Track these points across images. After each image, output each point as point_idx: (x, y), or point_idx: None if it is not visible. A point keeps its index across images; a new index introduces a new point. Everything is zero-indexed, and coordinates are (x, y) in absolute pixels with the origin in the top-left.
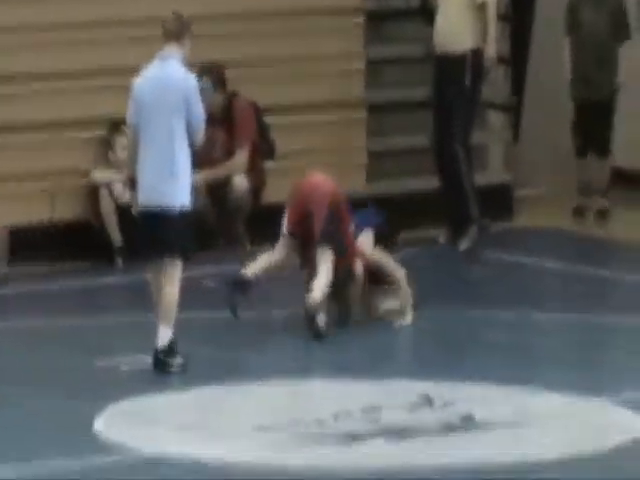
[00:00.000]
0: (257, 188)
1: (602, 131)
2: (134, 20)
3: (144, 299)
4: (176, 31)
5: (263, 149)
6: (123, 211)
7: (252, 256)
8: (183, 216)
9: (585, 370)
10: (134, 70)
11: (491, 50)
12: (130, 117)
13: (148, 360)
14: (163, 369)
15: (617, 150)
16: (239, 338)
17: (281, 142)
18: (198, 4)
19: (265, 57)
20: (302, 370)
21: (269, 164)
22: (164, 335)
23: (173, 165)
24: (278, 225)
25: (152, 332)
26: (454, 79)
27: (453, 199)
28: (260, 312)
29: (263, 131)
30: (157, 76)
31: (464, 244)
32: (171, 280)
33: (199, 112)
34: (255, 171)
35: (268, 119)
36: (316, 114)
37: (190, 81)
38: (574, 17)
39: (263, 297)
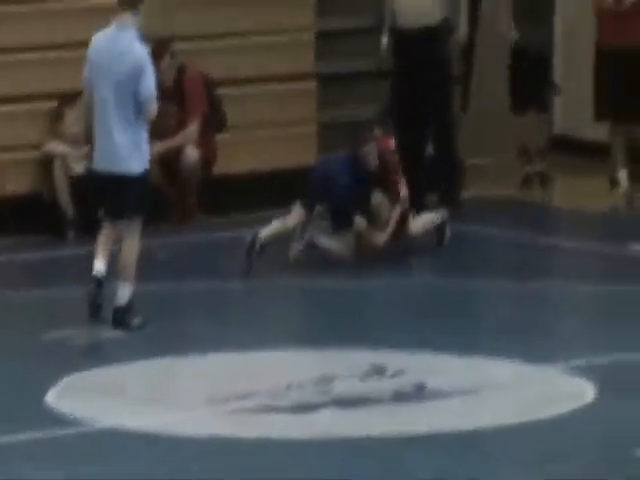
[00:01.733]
0: (208, 159)
1: (541, 85)
2: None
3: None
4: (130, 0)
5: (214, 121)
6: (76, 183)
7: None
8: (142, 179)
9: (536, 337)
10: (85, 44)
11: (463, 28)
12: (85, 82)
13: (99, 333)
14: (123, 327)
15: (555, 118)
16: (193, 309)
17: (232, 114)
18: None
19: (216, 29)
20: (254, 340)
21: (220, 136)
22: (124, 293)
23: (131, 131)
24: (230, 196)
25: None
26: (436, 51)
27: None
28: (213, 282)
29: (214, 103)
30: (111, 44)
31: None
32: (132, 239)
33: (150, 84)
34: (206, 143)
35: (219, 91)
36: (267, 85)
37: (142, 53)
38: None
39: (217, 267)
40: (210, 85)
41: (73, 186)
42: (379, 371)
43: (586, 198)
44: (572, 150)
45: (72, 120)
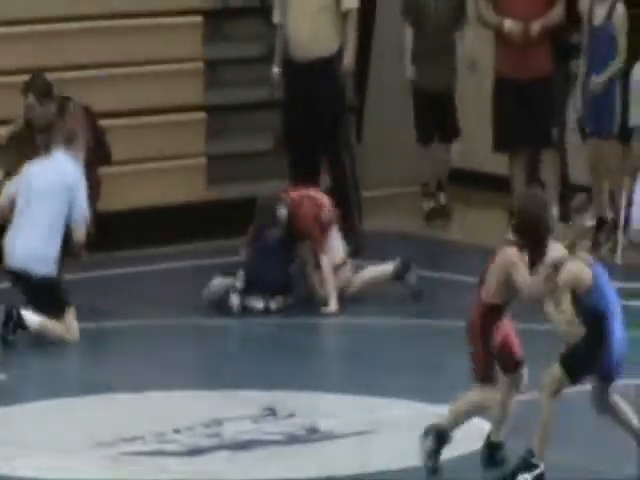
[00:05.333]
0: (93, 196)
1: (446, 118)
2: None
3: None
4: (66, 139)
5: (99, 154)
6: None
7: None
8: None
9: (429, 376)
10: None
11: (350, 59)
12: (11, 185)
13: None
14: None
15: (453, 151)
16: (76, 351)
17: (117, 147)
18: (30, 5)
19: (100, 59)
20: (142, 383)
21: (105, 169)
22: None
23: (46, 237)
24: (115, 233)
25: None
26: (329, 83)
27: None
28: (98, 322)
29: (98, 136)
30: (45, 167)
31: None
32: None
33: (81, 210)
34: (90, 177)
35: (104, 123)
36: (154, 117)
37: (75, 174)
38: (416, 3)
39: (102, 306)
40: (93, 118)
41: None
42: (271, 413)
43: (486, 232)
44: (470, 183)
45: None
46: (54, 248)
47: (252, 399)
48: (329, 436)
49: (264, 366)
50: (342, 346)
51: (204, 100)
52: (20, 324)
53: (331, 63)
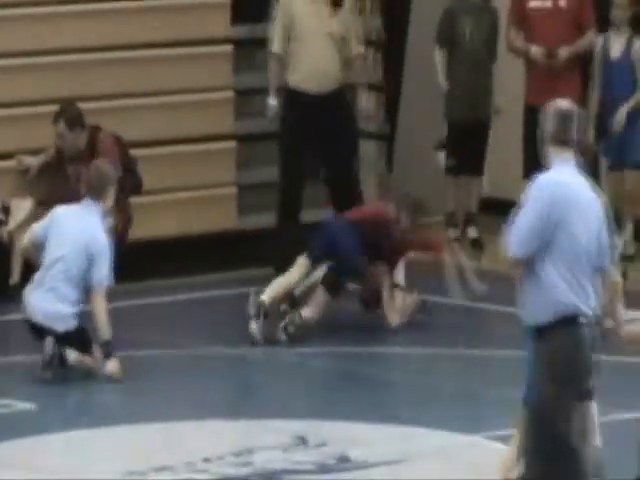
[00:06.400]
0: (123, 225)
1: (478, 151)
2: None
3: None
4: (97, 188)
5: (129, 184)
6: None
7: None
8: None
9: (461, 405)
10: None
11: (368, 103)
12: (39, 229)
13: (10, 404)
14: None
15: (485, 179)
16: (105, 381)
17: (148, 176)
18: (61, 35)
19: (131, 89)
20: (172, 412)
21: (135, 199)
22: None
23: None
24: (145, 262)
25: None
26: (345, 114)
27: None
28: (131, 351)
29: (129, 165)
30: (77, 219)
31: None
32: None
33: (103, 274)
34: (121, 207)
35: (135, 152)
36: (184, 146)
37: (102, 244)
38: (451, 29)
39: (135, 335)
40: (123, 147)
41: None
42: (301, 442)
43: None
44: (501, 212)
45: None
46: (70, 305)
47: (283, 428)
48: (360, 466)
49: (295, 395)
50: (374, 375)
51: (234, 129)
52: (63, 361)
53: (341, 94)
